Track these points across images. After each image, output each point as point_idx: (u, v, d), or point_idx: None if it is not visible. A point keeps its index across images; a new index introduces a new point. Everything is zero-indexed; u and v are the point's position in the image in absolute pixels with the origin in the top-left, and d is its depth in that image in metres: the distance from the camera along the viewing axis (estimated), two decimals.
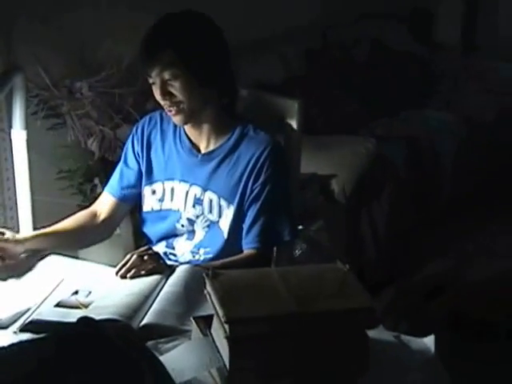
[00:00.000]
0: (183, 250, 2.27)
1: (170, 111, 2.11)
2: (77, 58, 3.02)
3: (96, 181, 3.01)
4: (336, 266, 1.65)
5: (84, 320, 1.35)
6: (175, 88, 2.07)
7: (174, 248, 2.28)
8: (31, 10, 2.94)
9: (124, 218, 2.50)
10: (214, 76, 2.11)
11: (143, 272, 1.96)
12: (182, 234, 2.27)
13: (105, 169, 2.99)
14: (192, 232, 2.26)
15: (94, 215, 2.34)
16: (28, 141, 2.36)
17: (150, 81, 2.10)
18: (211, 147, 2.22)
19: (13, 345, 1.30)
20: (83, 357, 1.25)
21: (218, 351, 1.52)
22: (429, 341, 1.67)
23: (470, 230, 4.11)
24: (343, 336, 1.51)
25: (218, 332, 1.52)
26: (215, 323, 1.55)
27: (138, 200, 2.34)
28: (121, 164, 2.34)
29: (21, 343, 1.31)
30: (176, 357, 1.53)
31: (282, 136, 2.30)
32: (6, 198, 3.01)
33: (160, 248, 2.29)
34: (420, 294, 3.41)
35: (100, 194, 2.85)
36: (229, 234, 2.20)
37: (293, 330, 1.49)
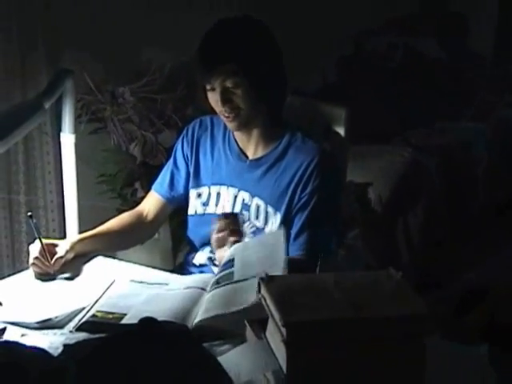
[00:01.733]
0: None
1: (228, 117, 2.13)
2: (119, 64, 3.05)
3: (137, 185, 3.05)
4: (389, 273, 1.66)
5: (147, 320, 1.37)
6: (236, 95, 2.09)
7: None
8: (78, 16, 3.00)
9: None
10: (271, 84, 2.13)
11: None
12: None
13: (146, 173, 3.03)
14: None
15: (141, 215, 2.36)
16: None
17: (208, 87, 2.12)
18: (259, 154, 2.24)
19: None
20: (153, 355, 1.27)
21: (274, 354, 1.53)
22: (482, 349, 1.67)
23: (505, 238, 4.10)
24: (400, 343, 1.51)
25: (274, 335, 1.53)
26: (270, 327, 1.56)
27: (183, 202, 2.36)
28: (170, 165, 2.36)
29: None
30: (231, 359, 1.54)
31: (329, 144, 2.30)
32: (49, 201, 3.06)
33: (205, 253, 2.30)
34: (456, 304, 3.39)
35: (142, 198, 2.89)
36: None
37: (349, 334, 1.50)
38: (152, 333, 1.34)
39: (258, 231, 2.23)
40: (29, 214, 2.07)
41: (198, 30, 2.16)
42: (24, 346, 1.33)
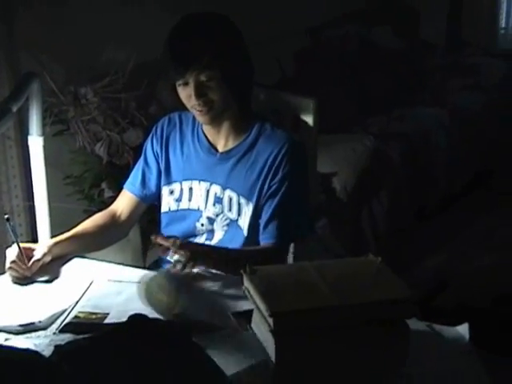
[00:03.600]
0: None
1: (201, 111, 2.14)
2: (80, 64, 3.03)
3: (104, 185, 3.03)
4: (368, 259, 1.69)
5: (136, 317, 1.37)
6: (210, 89, 2.10)
7: None
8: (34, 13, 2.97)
9: None
10: (240, 76, 2.16)
11: None
12: (201, 234, 2.29)
13: (112, 173, 3.02)
14: (211, 232, 2.28)
15: (114, 215, 2.36)
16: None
17: (180, 82, 2.12)
18: (229, 146, 2.25)
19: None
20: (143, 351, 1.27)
21: (261, 344, 1.55)
22: (462, 329, 1.70)
23: (466, 223, 4.17)
24: (383, 327, 1.54)
25: (260, 326, 1.55)
26: (256, 317, 1.58)
27: (156, 200, 2.37)
28: (141, 163, 2.36)
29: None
30: (219, 351, 1.55)
31: (298, 134, 2.32)
32: (14, 205, 3.02)
33: None
34: (422, 289, 3.44)
35: (109, 198, 2.89)
36: (248, 231, 2.23)
37: (334, 322, 1.52)
38: (141, 329, 1.35)
39: (231, 223, 2.25)
40: (6, 216, 2.05)
41: (158, 28, 2.17)
42: (15, 348, 1.32)
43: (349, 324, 1.53)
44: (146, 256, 3.11)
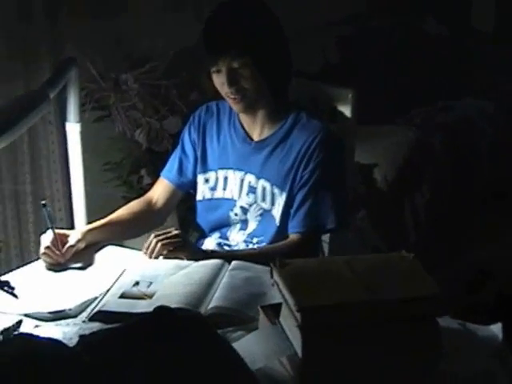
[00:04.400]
0: (237, 240, 2.28)
1: (234, 99, 2.13)
2: (121, 51, 3.04)
3: (143, 172, 3.04)
4: (401, 255, 1.66)
5: (161, 309, 1.37)
6: (243, 76, 2.10)
7: (227, 238, 2.30)
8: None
9: None
10: (276, 63, 2.14)
11: (164, 254, 2.01)
12: (235, 224, 2.28)
13: (151, 160, 3.02)
14: (245, 221, 2.27)
15: (150, 203, 2.37)
16: None
17: (214, 69, 2.12)
18: (264, 135, 2.24)
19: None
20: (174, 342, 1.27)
21: (288, 339, 1.53)
22: (496, 328, 1.66)
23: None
24: (414, 324, 1.51)
25: (288, 321, 1.53)
26: (284, 312, 1.56)
27: (192, 188, 2.37)
28: (178, 151, 2.37)
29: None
30: (245, 345, 1.54)
31: (335, 125, 2.30)
32: (54, 190, 3.05)
33: (214, 239, 2.31)
34: (465, 282, 3.39)
35: (148, 184, 2.89)
36: (281, 221, 2.21)
37: (363, 317, 1.50)
38: (166, 321, 1.34)
39: (265, 213, 2.24)
40: (42, 202, 2.06)
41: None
42: (39, 337, 1.33)
43: (377, 320, 1.50)
44: None
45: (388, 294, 1.51)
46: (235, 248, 2.27)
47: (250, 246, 2.25)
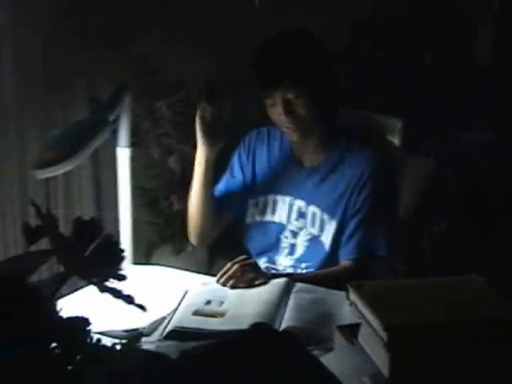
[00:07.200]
0: (284, 264, 2.31)
1: (290, 128, 2.18)
2: (155, 78, 3.07)
3: (173, 198, 3.06)
4: (472, 278, 1.70)
5: (261, 325, 1.39)
6: (298, 106, 2.14)
7: (275, 263, 2.32)
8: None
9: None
10: (328, 92, 2.19)
11: (244, 282, 2.01)
12: (283, 248, 2.31)
13: (183, 186, 3.04)
14: (293, 246, 2.30)
15: None
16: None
17: (269, 102, 2.16)
18: (315, 162, 2.28)
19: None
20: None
21: (370, 359, 1.55)
22: None
23: None
24: (498, 345, 1.54)
25: (370, 340, 1.56)
26: (364, 331, 1.59)
27: (240, 212, 2.39)
28: (227, 175, 2.40)
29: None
30: (326, 365, 1.56)
31: (385, 153, 2.34)
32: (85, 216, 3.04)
33: (261, 263, 2.32)
34: None
35: (177, 210, 2.91)
36: (331, 247, 2.25)
37: (445, 336, 1.52)
38: (265, 338, 1.37)
39: (313, 238, 2.27)
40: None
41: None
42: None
43: (460, 340, 1.53)
44: (210, 270, 3.13)
45: (468, 315, 1.55)
46: (283, 273, 2.29)
47: (299, 270, 2.28)
